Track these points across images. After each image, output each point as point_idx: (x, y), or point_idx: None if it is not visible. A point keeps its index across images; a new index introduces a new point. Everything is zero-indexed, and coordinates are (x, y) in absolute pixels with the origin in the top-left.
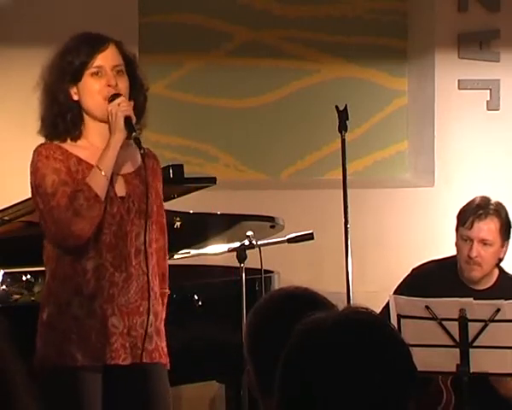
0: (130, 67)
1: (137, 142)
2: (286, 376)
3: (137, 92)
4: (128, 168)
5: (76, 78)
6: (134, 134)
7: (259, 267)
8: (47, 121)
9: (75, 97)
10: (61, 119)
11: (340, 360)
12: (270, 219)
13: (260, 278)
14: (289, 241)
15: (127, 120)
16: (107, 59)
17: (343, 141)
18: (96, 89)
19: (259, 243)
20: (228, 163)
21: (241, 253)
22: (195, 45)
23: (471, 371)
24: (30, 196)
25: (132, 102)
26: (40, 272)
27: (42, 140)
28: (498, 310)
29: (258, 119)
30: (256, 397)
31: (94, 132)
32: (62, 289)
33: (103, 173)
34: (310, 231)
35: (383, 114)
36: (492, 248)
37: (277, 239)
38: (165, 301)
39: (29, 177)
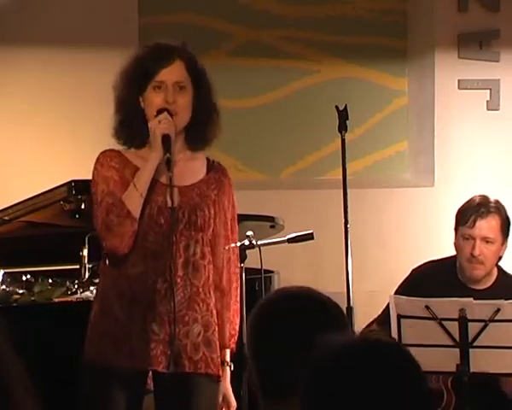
0: (196, 82)
1: (168, 162)
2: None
3: (201, 106)
4: (186, 181)
5: (141, 88)
6: (167, 155)
7: (259, 267)
8: (114, 127)
9: (142, 105)
10: (127, 126)
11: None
12: (270, 219)
13: (260, 277)
14: (289, 241)
15: (165, 138)
16: (170, 74)
17: (343, 141)
18: (155, 102)
19: (259, 242)
20: (228, 163)
21: (240, 253)
22: (195, 45)
23: (471, 371)
24: (30, 196)
25: (185, 119)
26: (40, 272)
27: (38, 143)
28: (498, 310)
29: (258, 119)
30: (257, 396)
31: None
32: (107, 290)
33: (138, 191)
34: (310, 231)
35: (383, 114)
36: (494, 245)
37: (277, 239)
38: (231, 313)
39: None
